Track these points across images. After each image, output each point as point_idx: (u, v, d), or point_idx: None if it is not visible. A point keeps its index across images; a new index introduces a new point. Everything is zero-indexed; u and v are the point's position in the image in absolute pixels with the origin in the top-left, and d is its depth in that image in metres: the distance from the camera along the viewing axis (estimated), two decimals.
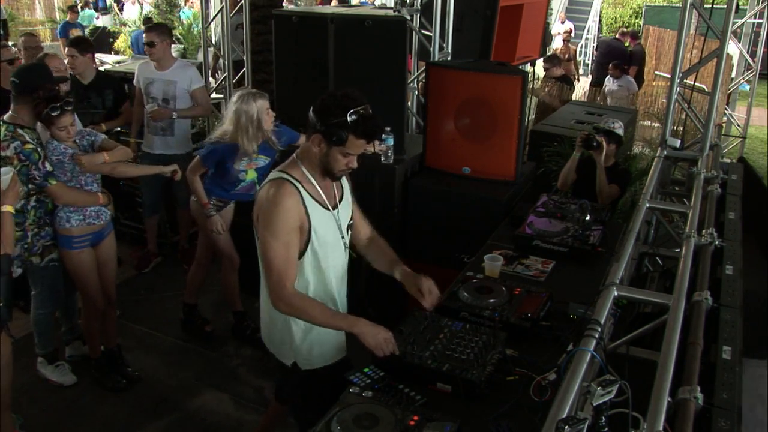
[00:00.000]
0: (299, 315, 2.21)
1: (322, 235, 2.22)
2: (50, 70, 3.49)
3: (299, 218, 2.14)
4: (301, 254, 2.21)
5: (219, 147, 3.52)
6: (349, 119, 2.04)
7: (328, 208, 2.24)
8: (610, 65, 8.66)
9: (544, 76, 7.74)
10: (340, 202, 2.32)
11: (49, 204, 3.27)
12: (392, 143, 3.77)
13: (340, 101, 2.07)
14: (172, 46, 5.16)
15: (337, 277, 2.35)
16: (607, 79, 8.80)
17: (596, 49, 10.79)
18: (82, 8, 14.01)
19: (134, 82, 4.65)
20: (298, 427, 2.58)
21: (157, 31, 4.47)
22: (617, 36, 10.82)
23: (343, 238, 2.32)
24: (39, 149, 3.13)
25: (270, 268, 2.15)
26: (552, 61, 7.74)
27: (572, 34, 12.48)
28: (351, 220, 2.40)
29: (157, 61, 4.47)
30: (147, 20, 10.85)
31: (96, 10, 14.63)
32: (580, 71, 13.23)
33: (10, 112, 3.19)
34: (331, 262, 2.29)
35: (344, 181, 2.38)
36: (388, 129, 3.72)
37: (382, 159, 3.79)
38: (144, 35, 4.52)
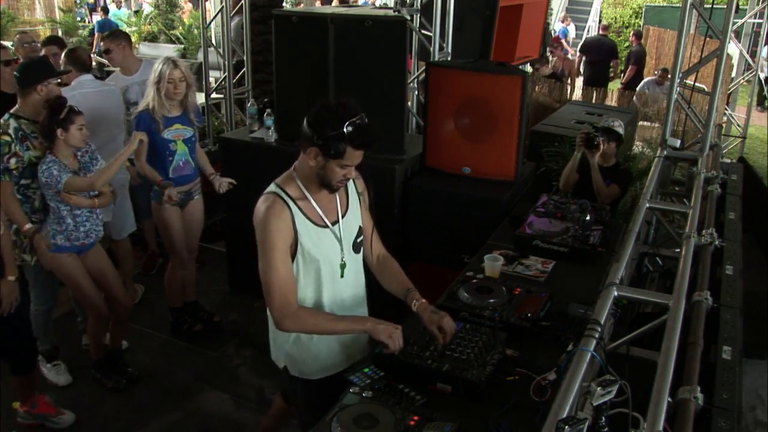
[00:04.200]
0: (308, 329, 2.19)
1: (310, 253, 2.16)
2: (50, 63, 3.52)
3: (289, 236, 2.11)
4: None
5: (143, 113, 3.60)
6: (346, 131, 1.97)
7: (325, 225, 2.19)
8: (660, 71, 8.65)
9: (532, 75, 7.73)
10: (344, 216, 2.25)
11: (35, 202, 3.26)
12: (272, 124, 4.12)
13: (335, 112, 2.00)
14: (173, 46, 5.16)
15: (334, 294, 2.28)
16: (646, 82, 8.77)
17: (581, 51, 10.64)
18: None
19: None
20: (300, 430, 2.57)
21: (111, 37, 4.46)
22: (600, 32, 10.78)
23: (342, 252, 2.24)
24: (13, 144, 3.13)
25: (271, 290, 2.11)
26: (539, 60, 7.73)
27: (567, 39, 12.36)
28: (360, 236, 2.32)
29: (120, 66, 4.45)
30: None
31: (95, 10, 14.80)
32: (581, 71, 13.26)
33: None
34: (324, 279, 2.23)
35: (352, 192, 2.31)
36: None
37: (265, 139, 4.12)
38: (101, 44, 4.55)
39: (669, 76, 8.65)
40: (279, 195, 2.12)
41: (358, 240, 2.32)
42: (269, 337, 2.41)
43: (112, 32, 4.63)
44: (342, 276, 2.27)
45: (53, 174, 3.10)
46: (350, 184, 2.30)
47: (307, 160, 2.08)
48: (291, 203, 2.12)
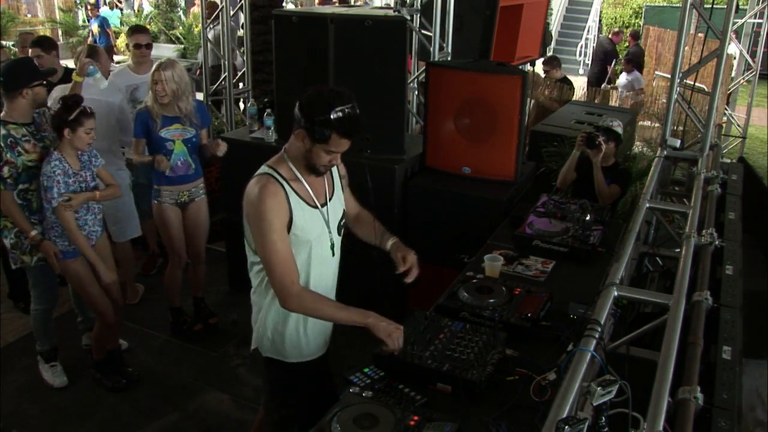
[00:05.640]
0: (311, 312, 2.19)
1: (303, 233, 2.19)
2: (35, 65, 3.43)
3: (285, 216, 2.13)
4: None
5: (142, 111, 3.66)
6: (332, 117, 2.02)
7: (315, 206, 2.22)
8: (623, 60, 8.95)
9: (544, 78, 7.72)
10: (330, 199, 2.30)
11: (34, 203, 3.24)
12: (272, 124, 4.14)
13: (325, 98, 2.05)
14: (173, 46, 5.17)
15: (321, 275, 2.31)
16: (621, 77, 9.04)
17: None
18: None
19: None
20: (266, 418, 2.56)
21: (147, 32, 4.45)
22: (609, 35, 10.94)
23: (330, 233, 2.29)
24: (3, 153, 3.09)
25: (273, 270, 2.12)
26: (552, 63, 7.72)
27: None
28: (344, 219, 2.38)
29: (140, 64, 4.44)
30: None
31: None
32: (581, 71, 13.30)
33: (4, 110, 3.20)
34: (314, 259, 2.26)
35: (336, 176, 2.36)
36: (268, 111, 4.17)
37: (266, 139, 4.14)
38: (133, 37, 4.50)
39: (634, 67, 8.91)
40: (272, 175, 2.15)
41: (342, 222, 2.37)
42: (251, 319, 2.43)
43: (144, 28, 4.65)
44: (333, 255, 2.32)
45: (53, 191, 3.07)
46: (334, 168, 2.34)
47: (296, 142, 2.14)
48: (284, 183, 2.15)
